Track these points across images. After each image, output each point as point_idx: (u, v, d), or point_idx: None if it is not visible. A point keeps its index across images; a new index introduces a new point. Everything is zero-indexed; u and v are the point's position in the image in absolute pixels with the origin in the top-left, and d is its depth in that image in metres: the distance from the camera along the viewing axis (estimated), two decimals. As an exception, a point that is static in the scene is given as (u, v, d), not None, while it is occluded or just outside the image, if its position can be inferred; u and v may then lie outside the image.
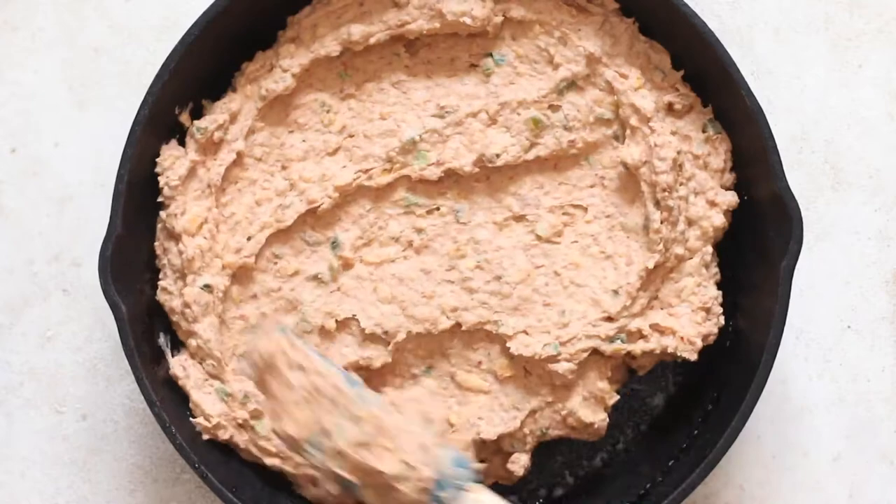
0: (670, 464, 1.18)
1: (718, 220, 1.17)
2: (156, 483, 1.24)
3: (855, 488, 1.26)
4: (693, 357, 1.16)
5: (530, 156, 1.17)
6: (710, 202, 1.17)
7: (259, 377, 1.05)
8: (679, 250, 1.16)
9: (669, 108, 1.18)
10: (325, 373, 1.04)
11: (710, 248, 1.17)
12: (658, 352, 1.16)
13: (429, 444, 1.03)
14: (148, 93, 1.12)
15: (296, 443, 1.04)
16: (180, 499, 1.24)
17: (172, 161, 1.16)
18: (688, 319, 1.16)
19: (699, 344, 1.16)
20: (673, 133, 1.17)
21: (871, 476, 1.26)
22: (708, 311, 1.17)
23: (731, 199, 1.17)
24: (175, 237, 1.16)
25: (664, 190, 1.15)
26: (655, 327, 1.16)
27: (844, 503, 1.26)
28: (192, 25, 1.13)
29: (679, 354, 1.16)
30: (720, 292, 1.17)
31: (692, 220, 1.16)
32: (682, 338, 1.16)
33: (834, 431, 1.27)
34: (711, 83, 1.17)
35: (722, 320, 1.17)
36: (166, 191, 1.15)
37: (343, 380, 1.05)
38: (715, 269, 1.18)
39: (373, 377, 1.16)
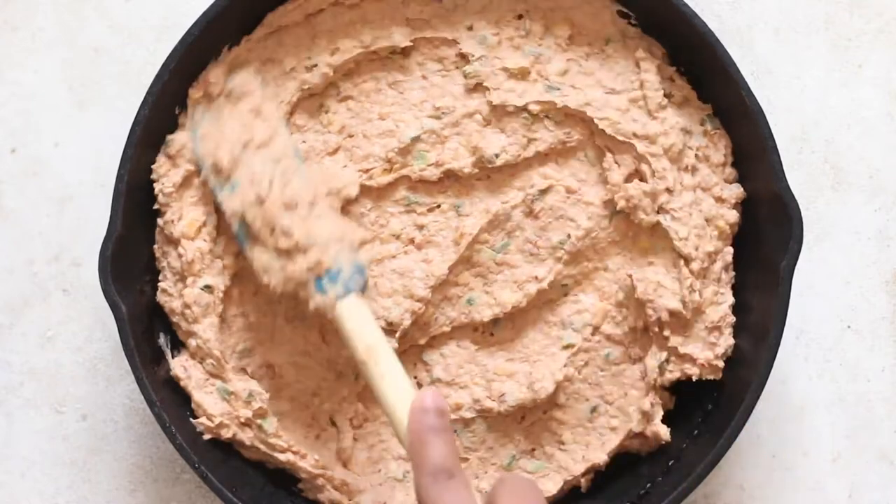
0: (670, 464, 1.17)
1: (732, 215, 1.17)
2: (156, 483, 1.24)
3: (855, 488, 1.26)
4: (719, 376, 1.17)
5: (529, 153, 1.17)
6: (717, 198, 1.17)
7: (217, 99, 1.09)
8: (709, 248, 1.16)
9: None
10: (283, 133, 1.07)
11: (730, 249, 1.17)
12: (682, 378, 1.18)
13: (342, 238, 1.06)
14: (148, 93, 1.12)
15: (218, 170, 1.07)
16: (180, 499, 1.24)
17: (168, 168, 1.15)
18: (702, 343, 1.17)
19: (721, 364, 1.17)
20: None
21: (871, 476, 1.26)
22: (719, 328, 1.17)
23: (737, 191, 1.18)
24: (173, 242, 1.15)
25: (673, 160, 1.15)
26: (674, 351, 1.17)
27: (844, 503, 1.26)
28: (192, 25, 1.13)
29: (704, 378, 1.17)
30: (733, 300, 1.18)
31: (708, 219, 1.16)
32: (702, 364, 1.16)
33: (834, 431, 1.27)
34: (711, 83, 1.17)
35: (731, 334, 1.18)
36: (161, 198, 1.15)
37: (295, 150, 1.08)
38: (732, 273, 1.18)
39: None
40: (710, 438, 1.14)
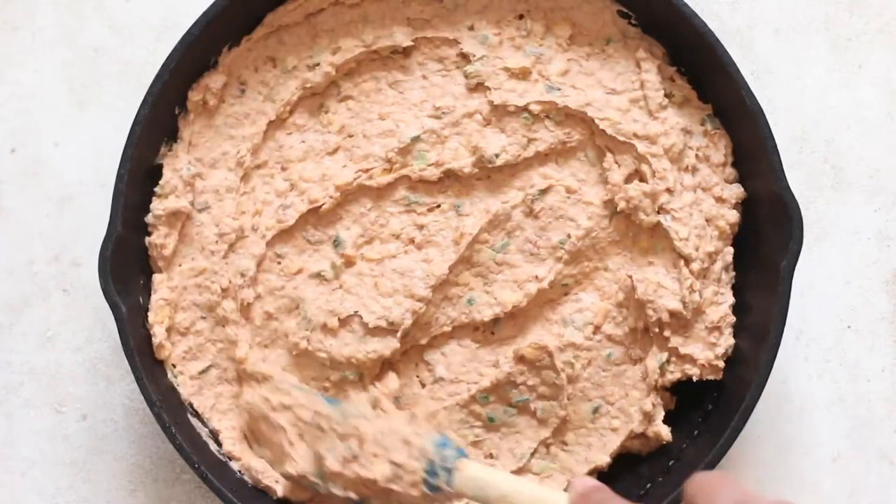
0: (670, 464, 1.18)
1: (732, 215, 1.17)
2: (156, 483, 1.24)
3: (855, 488, 1.26)
4: (720, 376, 1.17)
5: (529, 153, 1.17)
6: (717, 198, 1.17)
7: (252, 430, 1.09)
8: (709, 248, 1.16)
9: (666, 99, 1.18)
10: (306, 403, 1.07)
11: (730, 249, 1.17)
12: (683, 379, 1.18)
13: (410, 438, 1.04)
14: (148, 93, 1.12)
15: (303, 478, 1.06)
16: (180, 499, 1.24)
17: (159, 202, 1.17)
18: (702, 344, 1.17)
19: (722, 364, 1.17)
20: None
21: (870, 476, 1.26)
22: (720, 328, 1.17)
23: (737, 191, 1.18)
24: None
25: (673, 161, 1.15)
26: (674, 352, 1.17)
27: (844, 503, 1.26)
28: (192, 25, 1.13)
29: (704, 378, 1.17)
30: (733, 300, 1.18)
31: (708, 219, 1.17)
32: (703, 364, 1.16)
33: (834, 431, 1.27)
34: (711, 83, 1.17)
35: (731, 334, 1.18)
36: (150, 219, 1.17)
37: (323, 403, 1.07)
38: (733, 273, 1.18)
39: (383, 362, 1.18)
40: (710, 438, 1.14)
